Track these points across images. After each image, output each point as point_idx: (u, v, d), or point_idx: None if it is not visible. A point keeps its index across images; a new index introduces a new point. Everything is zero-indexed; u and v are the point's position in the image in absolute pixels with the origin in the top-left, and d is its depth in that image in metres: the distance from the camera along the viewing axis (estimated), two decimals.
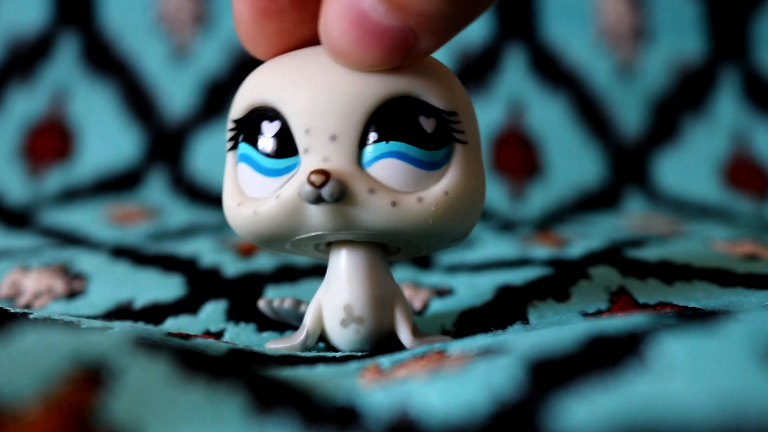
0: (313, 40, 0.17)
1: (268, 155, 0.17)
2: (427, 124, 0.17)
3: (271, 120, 0.17)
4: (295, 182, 0.16)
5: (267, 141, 0.17)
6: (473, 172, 0.17)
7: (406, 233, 0.17)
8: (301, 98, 0.16)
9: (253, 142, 0.17)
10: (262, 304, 0.21)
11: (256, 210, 0.17)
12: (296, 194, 0.16)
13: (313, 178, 0.16)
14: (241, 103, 0.17)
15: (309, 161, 0.16)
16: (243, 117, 0.17)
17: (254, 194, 0.17)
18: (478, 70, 0.50)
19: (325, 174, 0.16)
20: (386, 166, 0.16)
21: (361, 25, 0.15)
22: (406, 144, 0.16)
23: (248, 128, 0.17)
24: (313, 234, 0.17)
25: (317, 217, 0.17)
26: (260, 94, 0.17)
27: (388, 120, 0.16)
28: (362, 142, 0.16)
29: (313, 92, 0.16)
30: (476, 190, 0.17)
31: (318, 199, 0.16)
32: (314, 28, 0.17)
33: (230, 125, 0.18)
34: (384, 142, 0.16)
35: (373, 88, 0.16)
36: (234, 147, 0.18)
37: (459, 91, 0.17)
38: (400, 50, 0.15)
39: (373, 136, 0.16)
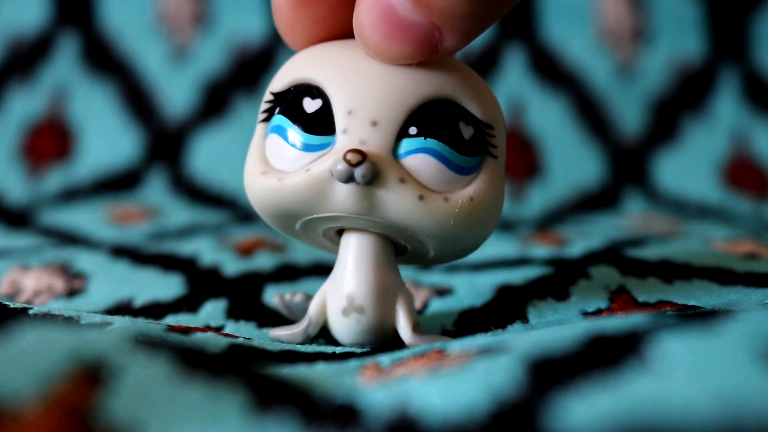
0: (347, 29, 0.18)
1: (303, 130, 0.17)
2: (466, 131, 0.17)
3: (314, 97, 0.17)
4: (328, 159, 0.17)
5: (306, 116, 0.17)
6: (498, 187, 0.18)
7: (425, 230, 0.17)
8: (349, 80, 0.17)
9: (291, 116, 0.17)
10: (276, 300, 0.21)
11: (282, 181, 0.17)
12: (327, 170, 0.16)
13: (349, 156, 0.16)
14: (283, 78, 0.18)
15: (345, 141, 0.17)
16: (283, 91, 0.18)
17: (281, 166, 0.17)
18: (478, 69, 0.49)
19: (362, 154, 0.16)
20: (420, 161, 0.17)
21: (389, 19, 0.16)
22: (442, 144, 0.17)
23: (288, 102, 0.17)
24: (332, 214, 0.17)
25: (343, 197, 0.17)
26: (306, 72, 0.17)
27: (430, 118, 0.17)
28: (400, 134, 0.17)
29: (362, 77, 0.17)
30: (497, 204, 0.18)
31: (350, 178, 0.16)
32: (348, 17, 0.17)
33: (268, 97, 0.18)
34: (422, 138, 0.17)
35: (420, 85, 0.17)
36: (267, 119, 0.18)
37: (497, 108, 0.18)
38: (425, 46, 0.16)
39: (412, 129, 0.17)
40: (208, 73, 0.49)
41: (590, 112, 0.50)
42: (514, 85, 0.50)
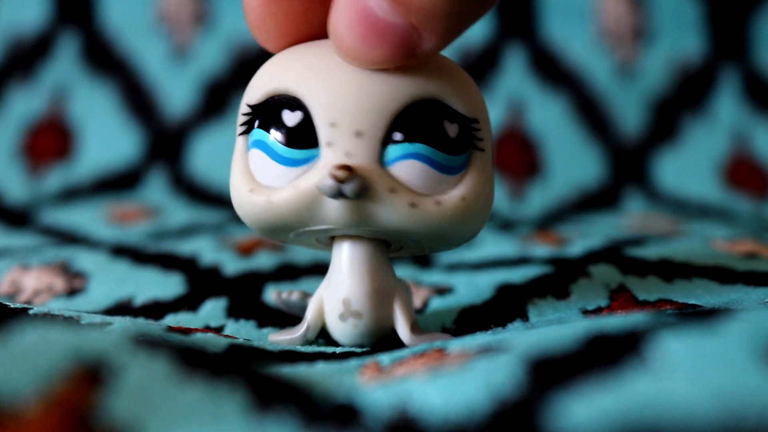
0: (321, 27, 0.17)
1: (286, 144, 0.17)
2: (451, 129, 0.17)
3: (293, 109, 0.17)
4: (315, 174, 0.16)
5: (287, 130, 0.17)
6: (487, 180, 0.17)
7: (419, 234, 0.17)
8: (327, 91, 0.16)
9: (270, 130, 0.17)
10: (274, 296, 0.21)
11: (270, 198, 0.17)
12: (315, 186, 0.16)
13: (337, 173, 0.16)
14: (260, 89, 0.17)
15: (331, 155, 0.16)
16: (261, 103, 0.17)
17: (267, 182, 0.17)
18: (478, 69, 0.50)
19: (349, 170, 0.16)
20: (408, 167, 0.16)
21: (366, 21, 0.15)
22: (429, 147, 0.16)
23: (266, 115, 0.17)
24: (324, 227, 0.17)
25: (333, 211, 0.16)
26: (282, 82, 0.17)
27: (414, 121, 0.16)
28: (385, 141, 0.16)
29: (341, 87, 0.16)
30: (488, 197, 0.18)
31: (339, 194, 0.16)
32: (323, 14, 0.17)
33: (245, 109, 0.17)
34: (408, 143, 0.16)
35: (401, 88, 0.16)
36: (246, 132, 0.17)
37: (479, 98, 0.17)
38: (404, 48, 0.15)
39: (397, 135, 0.16)
40: (209, 73, 0.49)
41: (590, 112, 0.50)
42: (514, 84, 0.50)
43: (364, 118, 0.16)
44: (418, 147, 0.16)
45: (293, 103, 0.17)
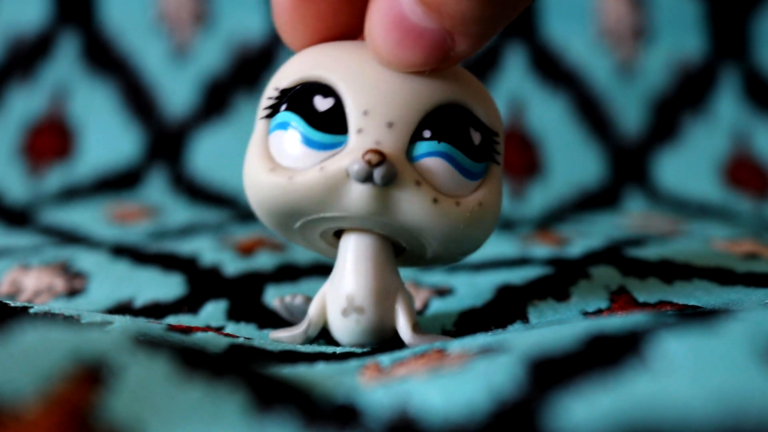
0: (348, 28, 0.18)
1: (315, 127, 0.17)
2: (475, 137, 0.17)
3: (326, 96, 0.17)
4: (344, 158, 0.16)
5: (317, 114, 0.17)
6: (500, 192, 0.18)
7: (435, 233, 0.17)
8: (362, 81, 0.17)
9: (299, 113, 0.17)
10: (276, 302, 0.21)
11: (293, 178, 0.17)
12: (344, 169, 0.16)
13: (369, 156, 0.16)
14: (290, 75, 0.18)
15: (360, 141, 0.17)
16: (290, 87, 0.18)
17: (289, 163, 0.17)
18: (478, 69, 0.50)
19: (381, 155, 0.16)
20: (434, 164, 0.17)
21: (400, 26, 0.16)
22: (455, 148, 0.17)
23: (295, 98, 0.17)
24: (343, 214, 0.17)
25: (357, 196, 0.17)
26: (315, 70, 0.17)
27: (443, 122, 0.17)
28: (414, 137, 0.17)
29: (377, 79, 0.17)
30: (499, 209, 0.18)
31: (367, 178, 0.16)
32: (350, 15, 0.18)
33: (273, 93, 0.18)
34: (436, 141, 0.17)
35: (433, 89, 0.17)
36: (270, 115, 0.18)
37: (499, 116, 0.18)
38: (437, 52, 0.16)
39: (426, 132, 0.17)
40: (209, 72, 0.49)
41: (591, 111, 0.50)
42: (515, 84, 0.50)
43: (396, 110, 0.17)
44: (445, 147, 0.17)
45: (326, 90, 0.17)
